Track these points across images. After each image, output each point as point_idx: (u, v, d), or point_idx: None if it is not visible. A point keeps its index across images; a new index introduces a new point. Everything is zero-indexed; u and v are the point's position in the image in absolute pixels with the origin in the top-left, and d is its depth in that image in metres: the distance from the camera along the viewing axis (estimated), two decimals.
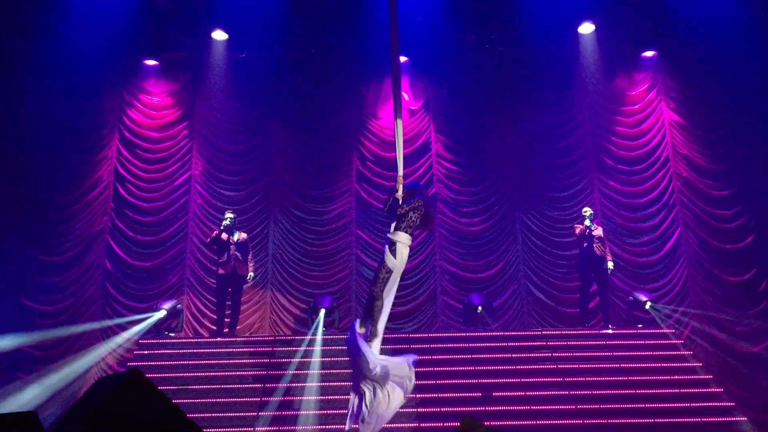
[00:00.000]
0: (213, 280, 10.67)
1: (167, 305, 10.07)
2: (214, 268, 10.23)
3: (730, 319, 10.49)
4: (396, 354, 6.54)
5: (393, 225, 6.17)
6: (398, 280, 6.18)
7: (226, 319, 9.90)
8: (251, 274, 9.92)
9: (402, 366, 5.85)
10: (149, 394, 2.32)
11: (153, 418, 2.28)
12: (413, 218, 6.13)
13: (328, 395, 8.01)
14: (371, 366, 5.67)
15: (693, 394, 8.09)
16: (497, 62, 11.92)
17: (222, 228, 9.79)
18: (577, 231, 9.94)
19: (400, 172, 6.43)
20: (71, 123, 11.33)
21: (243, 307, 10.50)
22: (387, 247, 6.07)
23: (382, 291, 6.04)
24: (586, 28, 11.64)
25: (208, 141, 11.92)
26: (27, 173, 11.07)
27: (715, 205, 11.23)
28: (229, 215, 9.91)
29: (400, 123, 6.66)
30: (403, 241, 6.05)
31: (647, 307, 9.94)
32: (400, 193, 6.25)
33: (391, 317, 6.72)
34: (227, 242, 9.73)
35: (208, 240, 10.11)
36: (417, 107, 12.14)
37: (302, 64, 11.94)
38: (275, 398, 7.94)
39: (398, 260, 6.02)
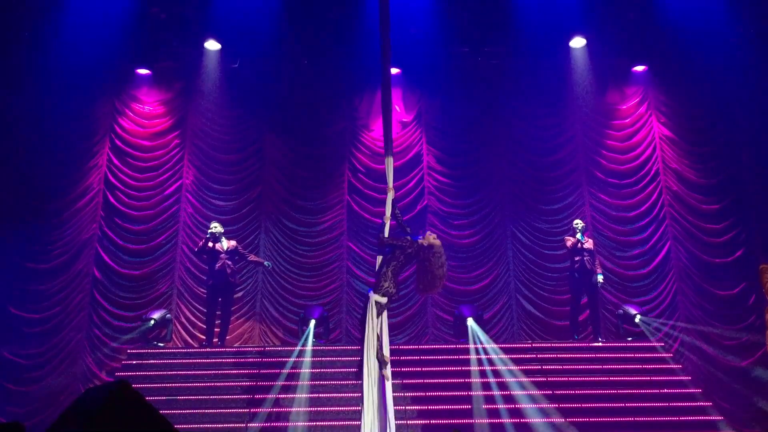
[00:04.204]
0: (203, 290, 10.62)
1: (156, 315, 9.99)
2: (205, 278, 10.21)
3: (720, 333, 10.52)
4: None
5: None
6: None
7: (215, 329, 9.86)
8: (267, 262, 10.46)
9: None
10: (137, 405, 2.30)
11: (141, 430, 2.26)
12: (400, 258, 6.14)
13: (318, 407, 7.98)
14: None
15: (681, 407, 8.11)
16: (489, 75, 11.99)
17: (208, 236, 9.77)
18: (569, 244, 9.95)
19: (388, 213, 6.41)
20: (62, 131, 11.27)
21: (233, 318, 10.46)
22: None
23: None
24: (578, 42, 11.73)
25: (199, 150, 11.89)
26: (16, 180, 11.02)
27: (705, 219, 11.30)
28: (214, 225, 9.90)
29: (390, 160, 6.63)
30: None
31: (637, 320, 9.94)
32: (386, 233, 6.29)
33: None
34: (217, 251, 9.71)
35: (197, 249, 10.11)
36: (409, 119, 12.17)
37: (295, 75, 11.98)
38: (264, 410, 7.90)
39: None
